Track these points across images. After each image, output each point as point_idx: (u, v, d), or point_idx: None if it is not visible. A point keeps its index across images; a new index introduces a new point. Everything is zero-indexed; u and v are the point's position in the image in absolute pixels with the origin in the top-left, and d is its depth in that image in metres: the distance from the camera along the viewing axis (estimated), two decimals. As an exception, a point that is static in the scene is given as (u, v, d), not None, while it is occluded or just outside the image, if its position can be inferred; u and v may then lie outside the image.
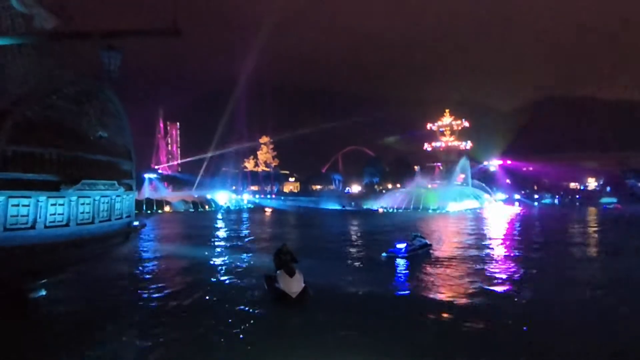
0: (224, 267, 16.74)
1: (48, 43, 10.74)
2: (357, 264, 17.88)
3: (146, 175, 74.22)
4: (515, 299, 12.02)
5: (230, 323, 9.68)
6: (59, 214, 9.13)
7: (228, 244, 24.26)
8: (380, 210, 59.93)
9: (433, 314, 10.47)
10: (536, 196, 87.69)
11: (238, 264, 17.33)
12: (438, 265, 16.56)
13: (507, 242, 24.64)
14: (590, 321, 10.00)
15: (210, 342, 8.60)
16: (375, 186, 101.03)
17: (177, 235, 30.16)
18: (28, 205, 8.59)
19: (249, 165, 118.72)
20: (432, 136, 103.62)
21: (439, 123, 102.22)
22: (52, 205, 8.97)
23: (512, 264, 17.34)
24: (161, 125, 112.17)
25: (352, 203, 71.89)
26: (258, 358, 7.92)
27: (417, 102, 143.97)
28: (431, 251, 19.69)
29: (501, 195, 77.22)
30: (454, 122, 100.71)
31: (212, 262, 17.92)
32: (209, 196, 68.14)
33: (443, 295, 12.14)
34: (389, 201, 64.16)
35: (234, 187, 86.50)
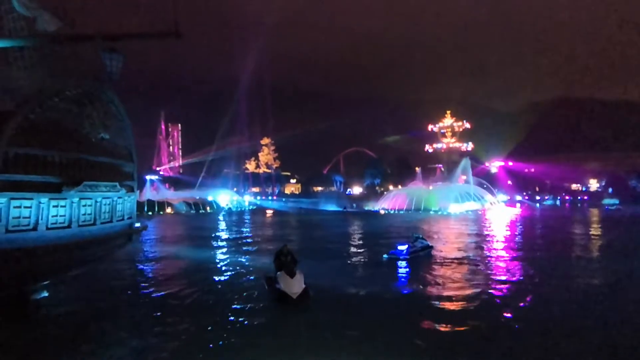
0: (224, 268, 16.75)
1: (50, 45, 10.80)
2: (358, 265, 17.87)
3: (147, 177, 74.42)
4: (516, 301, 11.99)
5: (231, 324, 9.70)
6: (60, 216, 9.17)
7: (229, 246, 24.27)
8: (382, 211, 59.92)
9: (434, 315, 10.46)
10: (538, 197, 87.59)
11: (239, 265, 17.34)
12: (439, 267, 16.55)
13: (509, 244, 24.61)
14: (590, 323, 9.97)
15: (211, 342, 8.61)
16: (377, 187, 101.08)
17: (179, 236, 30.20)
18: (30, 207, 8.63)
19: (250, 166, 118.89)
20: (434, 137, 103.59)
21: (440, 124, 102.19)
22: (53, 206, 9.01)
23: (513, 266, 17.32)
24: (162, 126, 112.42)
25: (354, 205, 71.93)
26: (258, 358, 7.94)
27: (418, 102, 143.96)
28: (432, 253, 19.67)
29: (503, 197, 77.08)
30: (455, 124, 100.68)
31: (213, 264, 17.94)
32: (210, 198, 68.25)
33: (444, 297, 12.11)
34: (389, 202, 64.14)
35: (235, 189, 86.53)
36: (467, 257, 19.01)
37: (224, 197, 70.97)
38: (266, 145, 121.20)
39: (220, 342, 8.63)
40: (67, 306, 10.90)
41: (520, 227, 37.00)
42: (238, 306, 11.16)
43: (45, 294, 10.93)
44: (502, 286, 13.52)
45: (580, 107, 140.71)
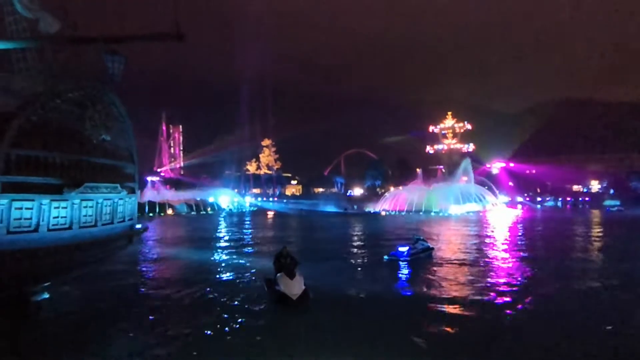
0: (225, 270, 16.76)
1: (52, 47, 10.83)
2: (358, 266, 17.87)
3: (148, 178, 74.52)
4: (517, 302, 11.97)
5: (231, 325, 9.71)
6: (61, 217, 9.17)
7: (229, 247, 24.28)
8: (383, 213, 59.90)
9: (434, 316, 10.47)
10: (539, 199, 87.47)
11: (239, 266, 17.35)
12: (440, 269, 16.53)
13: (510, 246, 24.57)
14: (592, 324, 9.95)
15: (211, 343, 8.63)
16: (378, 189, 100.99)
17: (179, 238, 30.22)
18: (31, 209, 8.64)
19: (251, 168, 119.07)
20: (435, 138, 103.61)
21: (442, 125, 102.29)
22: (55, 208, 9.02)
23: (514, 267, 17.29)
24: (163, 127, 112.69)
25: (355, 206, 71.90)
26: (258, 359, 7.94)
27: (419, 103, 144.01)
28: (433, 254, 19.66)
29: (504, 198, 76.97)
30: (456, 125, 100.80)
31: (213, 265, 17.94)
32: (211, 199, 68.27)
33: (444, 298, 12.11)
34: (390, 203, 64.04)
35: (236, 190, 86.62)
36: (467, 259, 18.99)
37: (225, 199, 70.99)
38: (267, 146, 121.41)
39: (221, 343, 8.65)
40: (68, 307, 10.91)
41: (521, 228, 36.94)
42: (238, 307, 11.17)
43: (46, 295, 10.93)
44: (503, 287, 13.50)
45: (581, 108, 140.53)
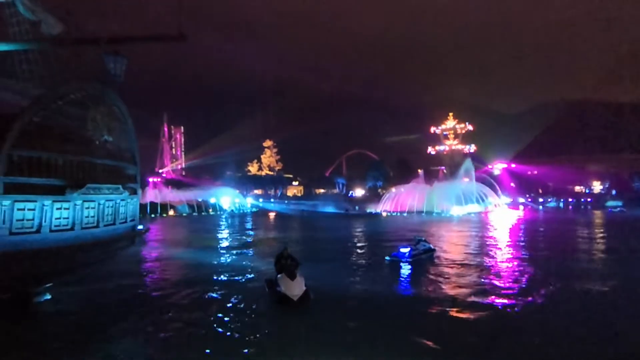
0: (225, 270, 16.76)
1: (54, 49, 10.87)
2: (359, 267, 17.84)
3: (150, 179, 74.62)
4: (518, 303, 11.94)
5: (231, 325, 9.71)
6: (64, 218, 9.21)
7: (231, 248, 24.29)
8: (384, 214, 59.83)
9: (435, 317, 10.46)
10: (541, 200, 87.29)
11: (240, 267, 17.35)
12: (442, 270, 16.50)
13: (512, 247, 24.51)
14: (593, 324, 9.93)
15: (211, 343, 8.63)
16: (379, 190, 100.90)
17: (181, 239, 30.23)
18: (33, 210, 8.68)
19: (253, 169, 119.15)
20: (436, 139, 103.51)
21: (443, 126, 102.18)
22: (57, 209, 9.05)
23: (516, 269, 17.25)
24: (165, 128, 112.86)
25: (356, 207, 71.82)
26: (259, 358, 7.95)
27: (420, 104, 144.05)
28: (435, 256, 19.62)
29: (506, 199, 76.82)
30: (457, 126, 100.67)
31: (214, 266, 17.93)
32: (212, 200, 68.30)
33: (445, 300, 12.09)
34: (391, 204, 63.89)
35: (237, 191, 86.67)
36: (469, 260, 18.95)
37: (226, 199, 71.03)
38: (268, 147, 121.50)
39: (221, 344, 8.66)
40: (70, 308, 10.93)
41: (523, 229, 36.87)
42: (239, 308, 11.17)
43: (48, 296, 10.97)
44: (504, 289, 13.47)
45: (583, 109, 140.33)
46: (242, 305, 11.41)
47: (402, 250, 18.29)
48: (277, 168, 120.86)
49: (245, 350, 8.32)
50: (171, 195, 65.20)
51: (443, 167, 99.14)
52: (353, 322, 9.89)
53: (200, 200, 65.81)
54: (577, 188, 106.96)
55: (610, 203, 78.04)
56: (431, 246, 20.37)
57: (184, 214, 58.73)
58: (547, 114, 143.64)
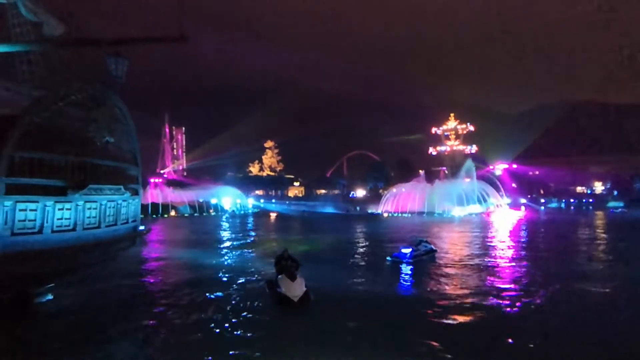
0: (226, 271, 16.78)
1: (56, 50, 10.92)
2: (360, 268, 17.86)
3: (151, 180, 74.66)
4: (519, 304, 11.95)
5: (231, 326, 9.74)
6: (65, 219, 9.24)
7: (231, 248, 24.31)
8: (385, 214, 59.78)
9: (435, 317, 10.45)
10: (542, 200, 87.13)
11: (240, 268, 17.36)
12: (443, 271, 16.50)
13: (513, 248, 24.48)
14: (594, 325, 9.93)
15: (211, 344, 8.66)
16: (380, 190, 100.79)
17: (183, 239, 30.25)
18: (35, 210, 8.71)
19: (254, 169, 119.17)
20: (437, 140, 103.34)
21: (444, 127, 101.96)
22: (59, 210, 9.08)
23: (517, 270, 17.25)
24: (167, 129, 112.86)
25: (357, 207, 71.75)
26: (259, 358, 7.96)
27: (420, 104, 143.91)
28: (436, 256, 19.61)
29: (507, 200, 76.66)
30: (458, 126, 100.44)
31: (214, 266, 17.95)
32: (214, 200, 68.31)
33: (446, 300, 12.09)
34: (392, 204, 63.75)
35: (239, 191, 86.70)
36: (470, 261, 18.94)
37: (228, 200, 71.04)
38: (269, 148, 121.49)
39: (221, 344, 8.68)
40: (71, 309, 10.95)
41: (525, 230, 36.81)
42: (239, 309, 11.19)
43: (50, 296, 11.00)
44: (505, 290, 13.48)
45: (584, 110, 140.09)
46: (242, 306, 11.43)
47: (404, 250, 18.29)
48: (278, 169, 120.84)
49: (246, 351, 8.33)
50: (172, 195, 65.19)
51: (444, 168, 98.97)
52: (353, 322, 9.91)
53: (201, 200, 65.82)
54: (579, 189, 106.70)
55: (611, 204, 77.88)
56: (432, 247, 20.37)
57: (186, 215, 58.75)
58: (548, 114, 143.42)
